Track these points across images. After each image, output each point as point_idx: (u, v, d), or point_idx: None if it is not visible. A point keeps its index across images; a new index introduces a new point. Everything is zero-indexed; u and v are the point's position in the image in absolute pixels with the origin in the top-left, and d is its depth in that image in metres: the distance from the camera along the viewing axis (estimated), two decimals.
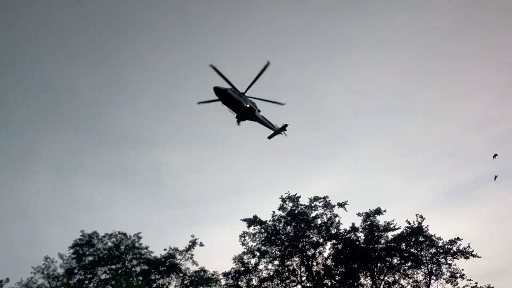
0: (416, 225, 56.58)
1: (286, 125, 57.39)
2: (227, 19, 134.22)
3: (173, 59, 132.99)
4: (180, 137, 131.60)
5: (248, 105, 52.27)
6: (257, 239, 59.16)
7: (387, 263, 56.02)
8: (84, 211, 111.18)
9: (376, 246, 56.55)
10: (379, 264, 56.22)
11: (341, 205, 58.43)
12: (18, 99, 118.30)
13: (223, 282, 57.43)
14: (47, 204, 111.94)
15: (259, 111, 55.85)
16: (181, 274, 56.96)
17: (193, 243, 58.24)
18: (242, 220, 59.40)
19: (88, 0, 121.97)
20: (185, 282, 56.61)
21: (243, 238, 59.26)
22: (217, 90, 49.94)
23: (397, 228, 57.40)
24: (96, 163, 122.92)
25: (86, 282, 53.55)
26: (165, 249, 58.02)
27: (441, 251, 55.01)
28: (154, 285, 55.47)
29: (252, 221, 58.94)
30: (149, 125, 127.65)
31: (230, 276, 57.26)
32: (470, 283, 53.23)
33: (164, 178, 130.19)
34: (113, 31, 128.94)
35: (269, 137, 58.50)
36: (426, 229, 56.28)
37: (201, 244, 58.53)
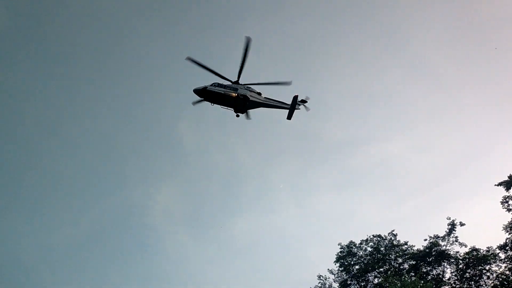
0: None
1: (296, 97, 48.44)
2: None
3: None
4: (395, 124, 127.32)
5: (235, 94, 46.63)
6: None
7: None
8: (331, 224, 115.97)
9: None
10: None
11: None
12: (246, 149, 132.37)
13: (502, 255, 51.83)
14: (296, 226, 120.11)
15: (259, 94, 48.73)
16: (452, 260, 53.67)
17: (452, 226, 54.58)
18: (497, 185, 53.06)
19: None
20: (460, 266, 53.02)
21: (506, 204, 52.77)
22: (197, 91, 46.82)
23: None
24: (325, 177, 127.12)
25: None
26: (425, 239, 55.88)
27: None
28: (429, 277, 53.46)
29: (510, 182, 52.12)
30: (356, 126, 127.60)
31: (508, 247, 51.30)
32: None
33: (392, 169, 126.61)
34: None
35: (288, 118, 49.59)
36: None
37: (462, 224, 54.58)
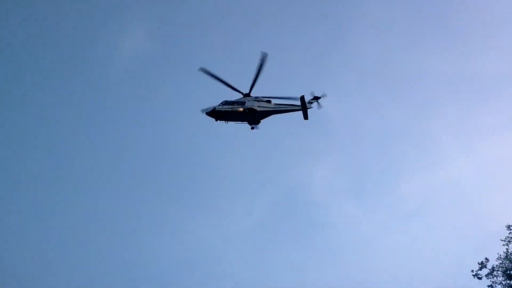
0: None
1: (303, 97, 46.09)
2: None
3: None
4: None
5: (242, 109, 47.01)
6: None
7: None
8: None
9: None
10: None
11: None
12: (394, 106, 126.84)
13: None
14: (470, 177, 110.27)
15: (268, 101, 48.00)
16: None
17: None
18: None
19: None
20: None
21: None
22: (208, 114, 47.53)
23: None
24: (493, 116, 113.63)
25: None
26: None
27: None
28: None
29: None
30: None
31: None
32: None
33: None
34: None
35: (305, 118, 47.77)
36: None
37: None
